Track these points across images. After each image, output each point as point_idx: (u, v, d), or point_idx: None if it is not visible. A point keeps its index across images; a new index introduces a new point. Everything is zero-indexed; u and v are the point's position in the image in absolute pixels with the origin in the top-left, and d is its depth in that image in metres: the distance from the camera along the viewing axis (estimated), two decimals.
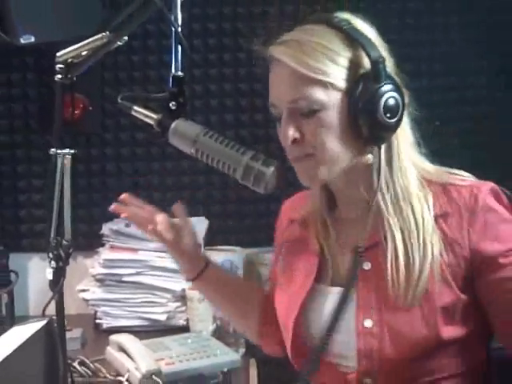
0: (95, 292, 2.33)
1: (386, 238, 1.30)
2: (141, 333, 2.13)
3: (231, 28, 2.51)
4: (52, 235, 1.38)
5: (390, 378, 1.29)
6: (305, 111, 1.27)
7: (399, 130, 1.29)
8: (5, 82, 2.49)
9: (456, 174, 1.35)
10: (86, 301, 2.33)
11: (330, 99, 1.26)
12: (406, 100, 1.30)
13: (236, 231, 2.55)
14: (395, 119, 1.26)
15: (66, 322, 1.39)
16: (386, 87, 1.25)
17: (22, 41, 2.03)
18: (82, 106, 2.31)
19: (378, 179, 1.30)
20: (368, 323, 1.29)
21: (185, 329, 2.24)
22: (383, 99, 1.24)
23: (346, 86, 1.26)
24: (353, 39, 1.27)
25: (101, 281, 2.33)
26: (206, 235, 2.44)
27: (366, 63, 1.26)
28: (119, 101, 1.36)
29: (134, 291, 2.32)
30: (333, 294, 1.36)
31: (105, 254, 2.34)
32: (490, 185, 1.32)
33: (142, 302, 2.31)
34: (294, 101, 1.27)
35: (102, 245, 2.39)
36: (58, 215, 1.37)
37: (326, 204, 1.41)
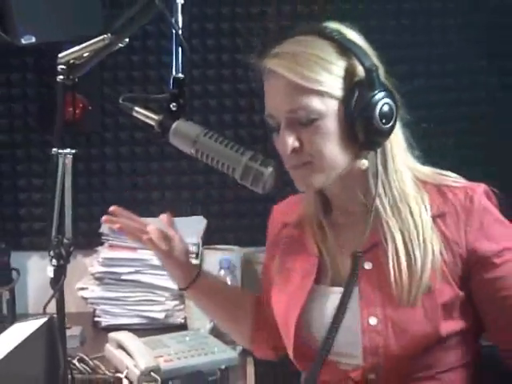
0: (94, 290, 2.34)
1: (386, 240, 1.33)
2: (139, 331, 2.13)
3: (229, 28, 2.52)
4: (53, 234, 1.39)
5: (393, 373, 1.32)
6: (303, 121, 1.30)
7: (392, 135, 1.32)
8: (5, 81, 2.50)
9: (447, 176, 1.39)
10: (85, 299, 2.35)
11: (327, 108, 1.29)
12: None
13: (234, 230, 2.56)
14: (390, 124, 1.29)
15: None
16: (381, 94, 1.28)
17: (23, 41, 2.04)
18: (81, 105, 2.32)
19: (376, 183, 1.33)
20: (373, 321, 1.32)
21: (183, 327, 2.25)
22: (378, 106, 1.27)
23: (341, 94, 1.29)
24: (345, 48, 1.30)
25: (100, 279, 2.35)
26: (204, 234, 2.46)
27: (360, 71, 1.29)
28: (120, 102, 1.37)
29: (133, 289, 2.33)
30: (334, 294, 1.38)
31: (104, 252, 2.36)
32: (483, 186, 1.35)
33: (140, 300, 2.32)
34: (292, 111, 1.30)
35: (102, 243, 2.40)
36: (59, 214, 1.39)
37: (320, 208, 1.43)
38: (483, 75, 2.53)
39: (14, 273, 2.34)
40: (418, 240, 1.31)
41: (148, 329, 2.26)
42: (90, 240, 2.41)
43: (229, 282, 2.20)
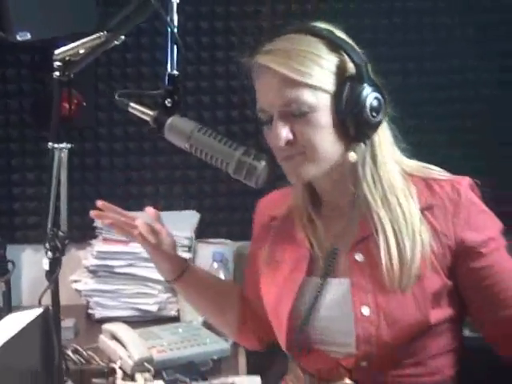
0: (88, 283, 2.37)
1: (376, 231, 1.36)
2: (132, 323, 2.13)
3: (223, 26, 2.55)
4: (49, 227, 1.41)
5: (384, 360, 1.36)
6: (296, 113, 1.33)
7: (379, 129, 1.37)
8: (0, 77, 2.52)
9: (432, 169, 1.43)
10: (79, 291, 2.37)
11: (319, 101, 1.33)
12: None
13: (227, 224, 2.59)
14: (379, 117, 1.33)
15: None
16: (371, 88, 1.33)
17: (19, 37, 2.05)
18: (76, 101, 2.34)
19: (365, 175, 1.37)
20: (365, 311, 1.36)
21: (175, 319, 2.28)
22: (369, 99, 1.32)
23: (333, 88, 1.33)
24: (336, 45, 1.34)
25: (93, 272, 2.37)
26: (197, 228, 2.49)
27: (350, 67, 1.33)
28: (116, 98, 1.39)
29: (126, 282, 2.36)
30: (327, 285, 1.41)
31: (98, 245, 2.38)
32: (467, 179, 1.40)
33: (133, 292, 2.35)
34: (285, 104, 1.33)
35: (95, 237, 2.42)
36: (54, 207, 1.41)
37: (309, 201, 1.46)
38: (476, 73, 2.56)
39: (9, 264, 2.35)
40: (407, 231, 1.35)
41: (141, 321, 2.28)
42: (83, 233, 2.43)
43: (222, 276, 2.23)
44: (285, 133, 1.33)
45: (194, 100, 2.55)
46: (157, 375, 1.82)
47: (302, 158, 1.35)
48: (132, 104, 1.38)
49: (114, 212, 1.52)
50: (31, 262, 2.55)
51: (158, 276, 2.29)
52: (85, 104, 2.36)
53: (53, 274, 1.40)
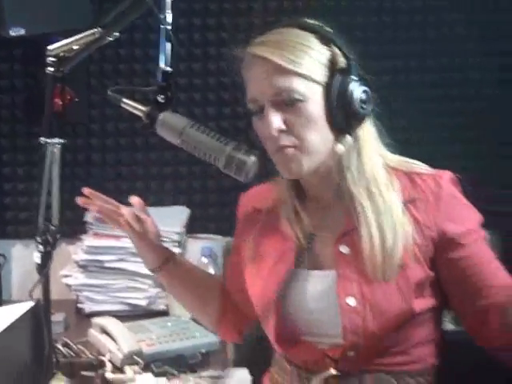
0: (78, 277, 2.38)
1: (359, 221, 1.39)
2: (122, 317, 2.14)
3: (216, 23, 2.56)
4: (40, 220, 1.43)
5: (371, 349, 1.38)
6: (287, 102, 1.35)
7: (364, 123, 1.40)
8: None
9: (415, 164, 1.46)
10: (69, 286, 2.38)
11: (310, 91, 1.35)
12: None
13: (216, 220, 2.60)
14: (367, 110, 1.37)
15: None
16: (360, 81, 1.36)
17: (12, 33, 2.06)
18: (68, 97, 2.35)
19: (350, 168, 1.40)
20: (351, 301, 1.38)
21: (165, 313, 2.29)
22: (358, 91, 1.36)
23: (324, 80, 1.36)
24: (327, 39, 1.37)
25: (84, 267, 2.38)
26: (187, 223, 2.50)
27: (340, 60, 1.37)
28: (109, 93, 1.41)
29: (116, 277, 2.37)
30: (313, 278, 1.43)
31: (88, 240, 2.39)
32: (449, 173, 1.43)
33: (123, 287, 2.36)
34: (276, 93, 1.35)
35: (86, 232, 2.43)
36: (45, 202, 1.42)
37: (294, 194, 1.48)
38: (475, 71, 2.58)
39: (0, 258, 2.36)
40: (390, 222, 1.38)
41: (131, 315, 2.29)
42: (74, 228, 2.43)
43: (211, 271, 2.25)
44: (277, 121, 1.35)
45: (186, 96, 2.57)
46: (146, 368, 1.84)
47: (294, 151, 1.37)
48: (125, 100, 1.40)
49: (100, 200, 1.54)
50: (21, 256, 2.55)
51: (147, 271, 2.29)
52: (77, 100, 2.37)
53: (44, 267, 1.41)
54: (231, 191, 2.53)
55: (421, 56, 2.60)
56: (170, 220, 2.35)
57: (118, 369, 1.84)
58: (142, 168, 2.62)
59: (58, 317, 2.17)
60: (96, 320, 2.04)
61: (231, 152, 1.31)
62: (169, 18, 1.33)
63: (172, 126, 1.36)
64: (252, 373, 1.77)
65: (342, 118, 1.36)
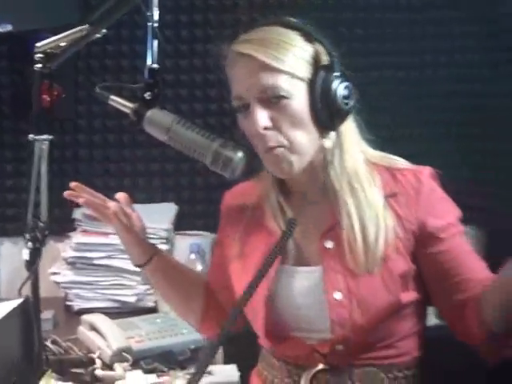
0: (66, 275, 2.38)
1: (341, 215, 1.41)
2: (111, 314, 2.14)
3: (202, 20, 2.57)
4: (29, 217, 1.43)
5: (359, 342, 1.40)
6: (273, 99, 1.36)
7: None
8: None
9: (395, 159, 1.48)
10: (58, 283, 2.38)
11: (295, 89, 1.37)
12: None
13: (204, 216, 2.60)
14: (350, 105, 1.38)
15: None
16: (342, 77, 1.38)
17: (0, 29, 2.07)
18: (56, 93, 2.35)
19: (333, 163, 1.41)
20: (338, 295, 1.39)
21: (153, 310, 2.30)
22: (341, 87, 1.37)
23: (308, 76, 1.37)
24: (310, 36, 1.39)
25: (72, 264, 2.38)
26: (175, 220, 2.51)
27: (323, 57, 1.38)
28: (97, 90, 1.41)
29: (105, 274, 2.37)
30: (299, 274, 1.45)
31: (76, 237, 2.39)
32: (429, 168, 1.45)
33: (112, 284, 2.36)
34: (262, 91, 1.36)
35: (74, 229, 2.43)
36: (34, 199, 1.43)
37: (279, 190, 1.49)
38: (477, 68, 2.60)
39: None
40: (371, 215, 1.40)
41: (120, 312, 2.29)
42: (62, 225, 2.43)
43: (199, 267, 2.25)
44: (263, 118, 1.36)
45: (173, 93, 2.57)
46: (135, 365, 1.84)
47: (284, 151, 1.38)
48: (112, 97, 1.40)
49: (87, 194, 1.55)
50: (10, 254, 2.54)
51: (136, 267, 2.32)
52: (64, 96, 2.36)
53: (33, 264, 1.42)
54: (219, 188, 2.54)
55: (409, 53, 2.61)
56: (157, 217, 2.36)
57: (107, 366, 1.84)
58: (130, 165, 2.62)
59: (46, 314, 2.16)
60: (85, 317, 2.05)
61: (218, 149, 1.32)
62: (155, 15, 1.34)
63: (159, 123, 1.36)
64: (240, 369, 1.78)
65: (326, 114, 1.37)
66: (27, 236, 1.43)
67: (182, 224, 2.55)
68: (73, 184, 1.54)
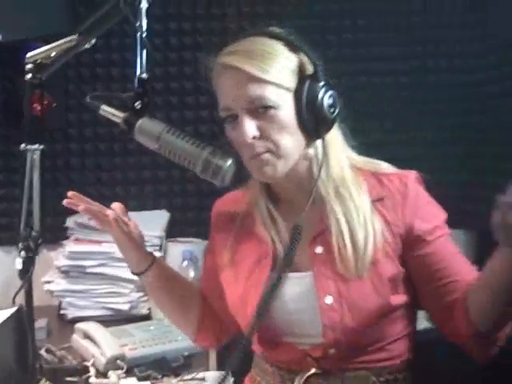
0: (60, 283, 2.38)
1: (330, 221, 1.42)
2: (105, 322, 2.15)
3: (191, 28, 2.58)
4: (22, 226, 1.43)
5: (351, 346, 1.41)
6: (260, 110, 1.38)
7: None
8: None
9: (380, 164, 1.50)
10: (51, 292, 2.38)
11: (281, 99, 1.38)
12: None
13: (196, 223, 2.61)
14: (336, 113, 1.41)
15: None
16: (327, 86, 1.40)
17: None
18: (46, 102, 2.35)
19: (320, 170, 1.42)
20: (329, 300, 1.40)
21: (147, 318, 2.30)
22: (326, 96, 1.39)
23: (294, 86, 1.39)
24: (295, 46, 1.41)
25: (65, 272, 2.38)
26: (167, 227, 2.52)
27: (308, 67, 1.40)
28: (88, 100, 1.42)
29: (98, 282, 2.37)
30: (291, 280, 1.45)
31: (69, 246, 2.39)
32: (414, 173, 1.47)
33: (105, 292, 2.37)
34: (250, 101, 1.37)
35: (67, 237, 2.43)
36: (27, 208, 1.43)
37: (268, 198, 1.51)
38: (479, 70, 2.60)
39: None
40: (359, 220, 1.41)
41: (113, 320, 2.29)
42: (55, 234, 2.43)
43: (191, 273, 2.26)
44: (251, 129, 1.38)
45: (163, 100, 2.58)
46: (129, 372, 1.85)
47: (269, 155, 1.39)
48: (103, 107, 1.41)
49: (84, 202, 1.55)
50: (3, 263, 2.53)
51: (129, 275, 2.27)
52: (55, 105, 2.38)
53: (26, 273, 1.42)
54: (211, 195, 2.54)
55: (396, 58, 2.63)
56: (150, 224, 2.36)
57: (101, 374, 1.85)
58: (122, 173, 2.63)
59: (40, 323, 2.16)
60: (79, 325, 2.05)
61: (208, 157, 1.33)
62: (144, 25, 1.35)
63: (149, 132, 1.37)
64: (233, 375, 1.78)
65: (313, 122, 1.39)
66: (20, 245, 1.43)
67: (173, 231, 2.55)
68: (70, 193, 1.54)
